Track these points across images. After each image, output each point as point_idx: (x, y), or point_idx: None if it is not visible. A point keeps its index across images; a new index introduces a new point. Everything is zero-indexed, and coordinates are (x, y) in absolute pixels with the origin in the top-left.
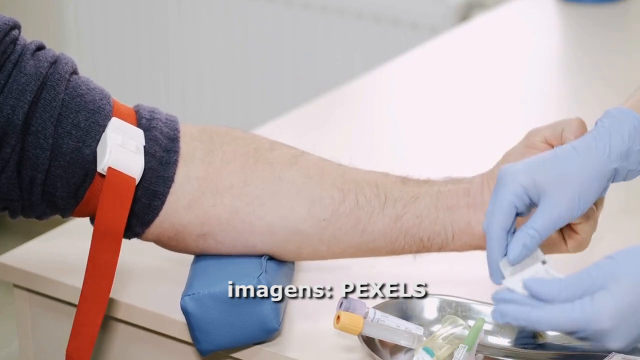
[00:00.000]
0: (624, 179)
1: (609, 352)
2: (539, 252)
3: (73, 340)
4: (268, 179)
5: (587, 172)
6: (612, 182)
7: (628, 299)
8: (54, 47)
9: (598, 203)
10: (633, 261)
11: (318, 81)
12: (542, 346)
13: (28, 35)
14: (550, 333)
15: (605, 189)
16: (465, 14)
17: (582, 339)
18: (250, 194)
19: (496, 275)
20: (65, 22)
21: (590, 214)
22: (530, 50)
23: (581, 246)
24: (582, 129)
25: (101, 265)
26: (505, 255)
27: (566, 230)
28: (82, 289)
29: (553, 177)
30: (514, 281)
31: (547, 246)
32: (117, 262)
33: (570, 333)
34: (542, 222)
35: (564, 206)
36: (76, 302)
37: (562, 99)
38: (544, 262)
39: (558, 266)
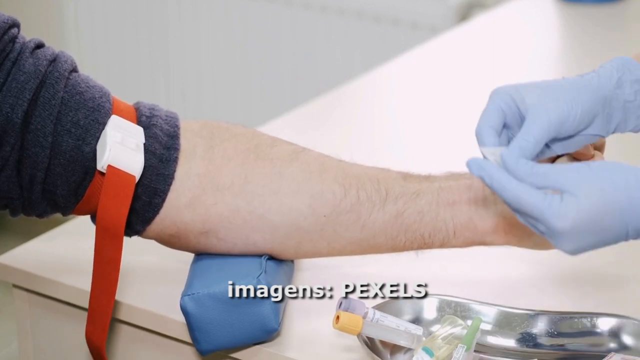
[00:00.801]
0: (625, 121)
1: (608, 352)
2: None
3: (89, 324)
4: (269, 175)
5: (575, 87)
6: (613, 126)
7: (593, 210)
8: (53, 46)
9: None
10: (608, 175)
11: (318, 81)
12: (541, 346)
13: (28, 35)
14: (549, 334)
15: (600, 120)
16: (465, 14)
17: (532, 226)
18: (251, 191)
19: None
20: (65, 22)
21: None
22: (530, 50)
23: None
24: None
25: (106, 260)
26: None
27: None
28: (92, 280)
29: (540, 89)
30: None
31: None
32: (120, 257)
33: (525, 218)
34: (534, 129)
35: (553, 113)
36: (76, 301)
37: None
38: None
39: (559, 263)
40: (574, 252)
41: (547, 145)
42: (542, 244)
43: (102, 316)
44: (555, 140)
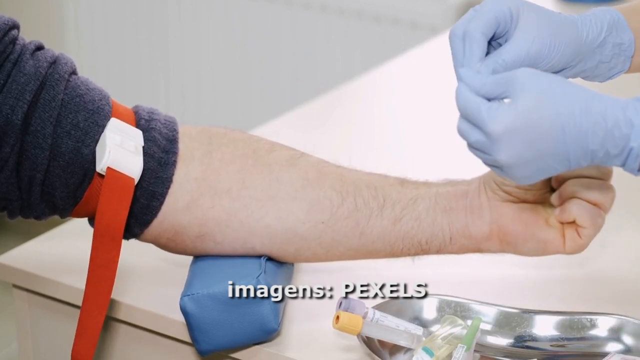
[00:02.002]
0: (592, 77)
1: (608, 352)
2: None
3: (77, 341)
4: (266, 181)
5: (567, 32)
6: (577, 74)
7: (529, 115)
8: (53, 47)
9: (603, 205)
10: (557, 89)
11: (318, 81)
12: (541, 346)
13: (27, 36)
14: (548, 333)
15: (569, 70)
16: (464, 14)
17: (468, 136)
18: (249, 196)
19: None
20: (65, 22)
21: (596, 218)
22: None
23: (579, 249)
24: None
25: (102, 265)
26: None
27: (568, 231)
28: (85, 289)
29: (536, 15)
30: None
31: (547, 245)
32: (117, 261)
33: (468, 126)
34: (512, 53)
35: (534, 47)
36: (75, 302)
37: None
38: None
39: (557, 263)
40: (510, 165)
41: None
42: (536, 251)
43: (91, 331)
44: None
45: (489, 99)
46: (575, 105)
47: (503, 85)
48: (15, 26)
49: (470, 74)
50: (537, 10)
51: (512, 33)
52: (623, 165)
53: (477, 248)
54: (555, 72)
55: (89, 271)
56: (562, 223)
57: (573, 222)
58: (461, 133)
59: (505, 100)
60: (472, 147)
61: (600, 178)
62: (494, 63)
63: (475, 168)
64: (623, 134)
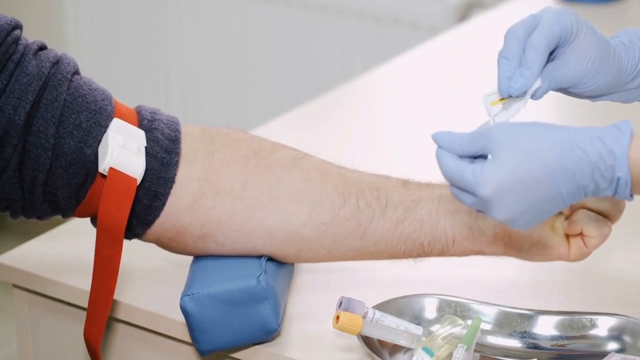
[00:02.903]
0: (622, 99)
1: (608, 352)
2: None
3: (87, 324)
4: (268, 182)
5: (611, 52)
6: (613, 99)
7: (515, 173)
8: (53, 47)
9: (611, 216)
10: (533, 135)
11: (318, 81)
12: (541, 346)
13: (27, 36)
14: (548, 333)
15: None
16: (464, 14)
17: (462, 200)
18: (250, 197)
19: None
20: (65, 22)
21: (603, 228)
22: None
23: (583, 257)
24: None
25: (106, 260)
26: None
27: (574, 240)
28: (92, 280)
29: (590, 32)
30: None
31: (551, 251)
32: (120, 258)
33: (458, 192)
34: (566, 73)
35: (584, 69)
36: (75, 302)
37: (561, 98)
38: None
39: (559, 263)
40: (510, 220)
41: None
42: (540, 257)
43: (100, 316)
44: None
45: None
46: (555, 146)
47: (480, 142)
48: (18, 26)
49: (444, 136)
50: (592, 31)
51: (567, 49)
52: (615, 194)
53: (481, 251)
54: (591, 98)
55: (94, 265)
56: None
57: (580, 232)
58: (456, 197)
59: (487, 160)
60: (471, 207)
61: (610, 214)
62: (548, 79)
63: None
64: (608, 165)
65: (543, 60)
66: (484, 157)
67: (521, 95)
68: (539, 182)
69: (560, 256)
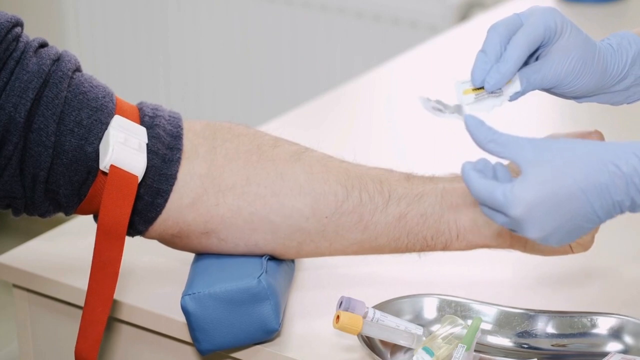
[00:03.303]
0: (610, 101)
1: (608, 352)
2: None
3: (81, 339)
4: (271, 176)
5: (596, 54)
6: (600, 101)
7: (547, 191)
8: (54, 45)
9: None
10: (564, 153)
11: (318, 81)
12: (541, 346)
13: (28, 34)
14: (548, 333)
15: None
16: (464, 14)
17: (494, 219)
18: (253, 193)
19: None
20: (65, 22)
21: None
22: None
23: (584, 247)
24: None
25: (105, 262)
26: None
27: None
28: (88, 286)
29: (575, 33)
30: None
31: (554, 247)
32: (121, 259)
33: (488, 211)
34: (547, 74)
35: (566, 70)
36: (75, 301)
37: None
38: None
39: (560, 263)
40: (543, 238)
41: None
42: (546, 250)
43: (95, 329)
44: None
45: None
46: (587, 162)
47: (508, 151)
48: (18, 23)
49: (476, 123)
50: (577, 32)
51: (550, 49)
52: None
53: (486, 244)
54: (575, 98)
55: (92, 268)
56: None
57: None
58: (487, 216)
59: (518, 179)
60: (504, 226)
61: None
62: (527, 80)
63: None
64: None
65: (521, 59)
66: None
67: (497, 92)
68: (570, 198)
69: (565, 249)
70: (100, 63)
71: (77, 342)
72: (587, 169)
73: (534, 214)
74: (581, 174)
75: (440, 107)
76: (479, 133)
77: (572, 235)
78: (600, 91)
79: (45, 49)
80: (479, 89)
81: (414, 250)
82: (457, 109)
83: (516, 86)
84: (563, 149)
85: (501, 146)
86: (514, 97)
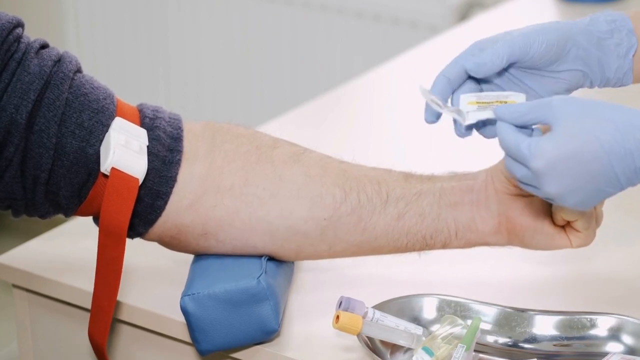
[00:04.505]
0: (607, 61)
1: (608, 352)
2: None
3: (92, 324)
4: (269, 178)
5: (541, 25)
6: (594, 64)
7: (571, 147)
8: (54, 46)
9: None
10: (594, 111)
11: (318, 81)
12: (541, 346)
13: (28, 35)
14: (548, 333)
15: (575, 55)
16: (464, 14)
17: (514, 172)
18: (251, 194)
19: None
20: (65, 22)
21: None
22: None
23: (585, 241)
24: None
25: (109, 260)
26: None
27: (567, 228)
28: (95, 282)
29: (512, 31)
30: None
31: (555, 238)
32: (123, 257)
33: (511, 163)
34: (498, 45)
35: (517, 41)
36: (75, 302)
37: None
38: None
39: (560, 263)
40: (560, 196)
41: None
42: (544, 245)
43: (104, 316)
44: (530, 73)
45: (529, 127)
46: (615, 125)
47: (540, 112)
48: (19, 24)
49: (504, 107)
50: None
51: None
52: None
53: (484, 242)
54: (560, 59)
55: (97, 265)
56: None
57: (566, 222)
58: (509, 169)
59: (537, 126)
60: (522, 182)
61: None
62: (481, 55)
63: (474, 169)
64: None
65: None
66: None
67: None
68: (593, 159)
69: (564, 243)
70: (100, 63)
71: (88, 327)
72: (613, 132)
73: (554, 169)
74: (607, 136)
75: (439, 103)
76: (510, 114)
77: (592, 198)
78: (571, 44)
79: (46, 50)
80: (483, 102)
81: (414, 250)
82: (457, 111)
83: (518, 98)
84: (594, 110)
85: (530, 112)
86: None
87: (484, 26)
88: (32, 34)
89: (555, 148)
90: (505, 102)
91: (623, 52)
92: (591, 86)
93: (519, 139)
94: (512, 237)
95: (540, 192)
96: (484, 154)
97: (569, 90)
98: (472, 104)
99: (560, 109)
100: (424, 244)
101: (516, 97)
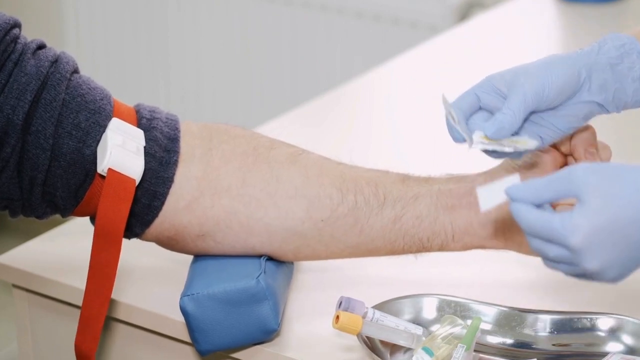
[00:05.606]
0: (623, 88)
1: (608, 352)
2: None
3: (80, 333)
4: (266, 179)
5: (550, 60)
6: (610, 93)
7: (609, 218)
8: (53, 46)
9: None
10: (623, 176)
11: (318, 81)
12: (541, 346)
13: (27, 35)
14: (548, 333)
15: (589, 86)
16: (464, 14)
17: (555, 261)
18: (248, 195)
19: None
20: (65, 22)
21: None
22: (529, 50)
23: None
24: (593, 138)
25: (102, 263)
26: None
27: None
28: (86, 285)
29: (520, 69)
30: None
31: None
32: (117, 261)
33: (540, 244)
34: (512, 101)
35: (528, 86)
36: (75, 302)
37: None
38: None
39: None
40: (602, 270)
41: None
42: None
43: (94, 324)
44: (548, 111)
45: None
46: None
47: (562, 187)
48: (16, 25)
49: (517, 188)
50: (520, 66)
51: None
52: None
53: (481, 245)
54: (576, 93)
55: (89, 268)
56: None
57: None
58: (537, 250)
59: (576, 207)
60: (553, 261)
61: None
62: (500, 114)
63: (474, 169)
64: None
65: (522, 111)
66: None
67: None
68: (631, 225)
69: None
70: (100, 63)
71: (76, 337)
72: None
73: (592, 242)
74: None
75: (455, 118)
76: (526, 193)
77: (630, 268)
78: (585, 75)
79: (43, 50)
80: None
81: (411, 252)
82: (467, 133)
83: (529, 144)
84: (621, 175)
85: (549, 189)
86: (522, 153)
87: (484, 26)
88: (31, 34)
89: (590, 220)
90: (517, 143)
91: (637, 75)
92: (608, 113)
93: (546, 218)
94: (509, 242)
95: (578, 269)
96: (483, 155)
97: (585, 120)
98: (483, 137)
99: (585, 179)
100: (421, 247)
101: (528, 143)
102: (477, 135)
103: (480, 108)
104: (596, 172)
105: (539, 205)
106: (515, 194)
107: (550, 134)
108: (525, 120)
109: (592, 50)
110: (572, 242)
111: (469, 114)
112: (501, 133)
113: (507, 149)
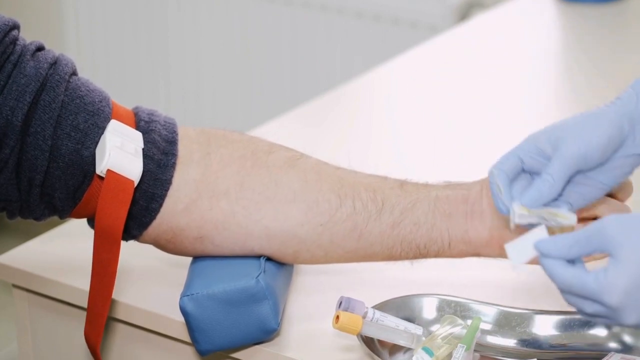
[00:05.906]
0: None
1: (608, 352)
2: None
3: (87, 325)
4: (265, 183)
5: (593, 116)
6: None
7: (637, 271)
8: (53, 47)
9: (624, 186)
10: (633, 227)
11: (318, 81)
12: (541, 346)
13: (27, 36)
14: (548, 333)
15: (633, 139)
16: (464, 14)
17: (592, 316)
18: (247, 198)
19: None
20: (65, 22)
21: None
22: (529, 50)
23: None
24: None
25: (104, 263)
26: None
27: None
28: (90, 283)
29: (562, 132)
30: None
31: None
32: (117, 261)
33: (576, 300)
34: (553, 167)
35: (575, 152)
36: (75, 302)
37: (562, 99)
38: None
39: None
40: (638, 322)
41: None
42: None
43: (98, 317)
44: (593, 169)
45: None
46: None
47: (593, 243)
48: (15, 27)
49: (547, 244)
50: (562, 124)
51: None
52: None
53: (476, 253)
54: (620, 148)
55: (92, 271)
56: None
57: None
58: (574, 305)
59: (609, 264)
60: (593, 316)
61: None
62: (540, 181)
63: (475, 169)
64: None
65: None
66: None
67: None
68: None
69: None
70: (99, 64)
71: (85, 326)
72: None
73: (631, 299)
74: None
75: (501, 189)
76: (557, 249)
77: None
78: (628, 130)
79: (42, 52)
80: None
81: (407, 258)
82: (510, 205)
83: (570, 219)
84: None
85: (580, 244)
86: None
87: (484, 26)
88: (31, 34)
89: (627, 277)
90: (557, 217)
91: None
92: None
93: (580, 275)
94: (502, 251)
95: (615, 322)
96: (483, 155)
97: (632, 171)
98: (523, 209)
99: (618, 233)
100: (418, 253)
101: (570, 218)
102: (517, 207)
103: (523, 170)
104: (627, 226)
105: (570, 260)
106: (547, 250)
107: (594, 192)
108: (569, 181)
109: (630, 99)
110: (609, 301)
111: (512, 176)
112: (539, 202)
113: (548, 224)
